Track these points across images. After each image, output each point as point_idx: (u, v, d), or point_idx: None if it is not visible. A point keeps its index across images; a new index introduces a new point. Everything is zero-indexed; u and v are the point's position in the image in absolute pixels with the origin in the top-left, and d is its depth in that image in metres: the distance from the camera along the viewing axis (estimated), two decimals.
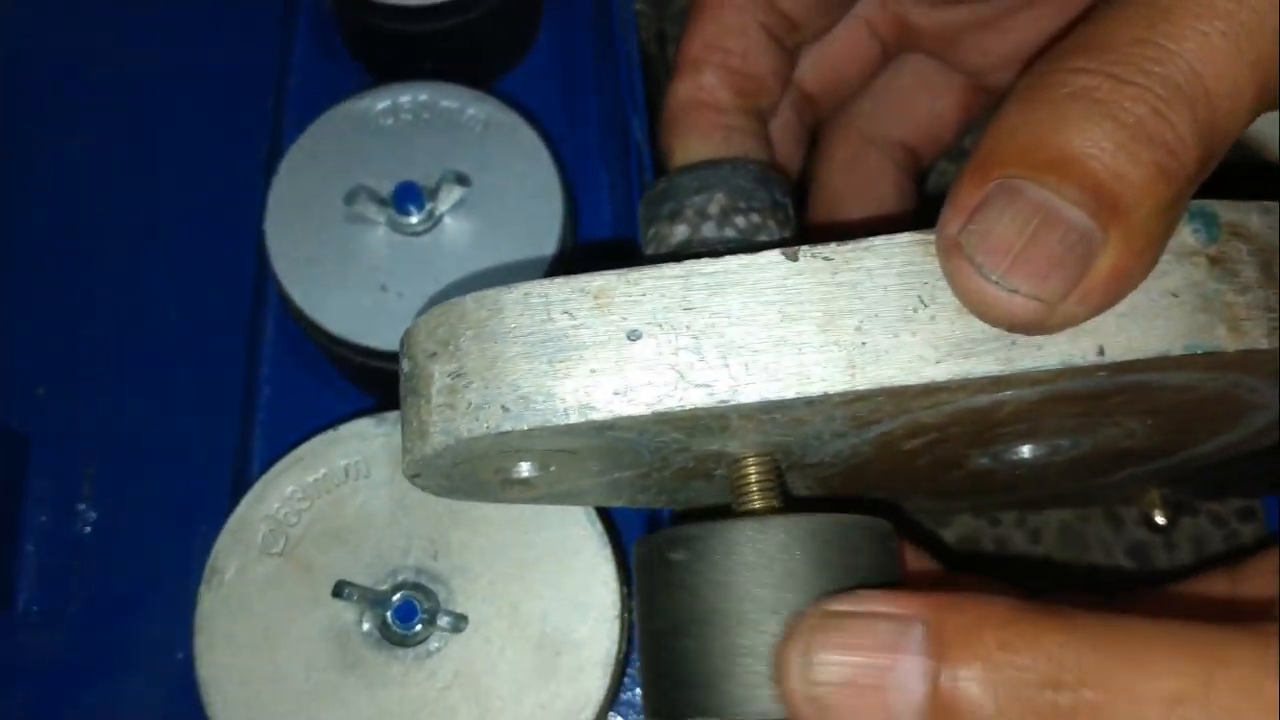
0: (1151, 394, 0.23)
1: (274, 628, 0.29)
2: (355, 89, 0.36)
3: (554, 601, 0.29)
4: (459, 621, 0.29)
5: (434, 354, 0.22)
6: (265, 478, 0.30)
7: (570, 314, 0.21)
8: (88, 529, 0.39)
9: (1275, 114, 0.35)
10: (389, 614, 0.29)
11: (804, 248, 0.21)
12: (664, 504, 0.29)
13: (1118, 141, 0.19)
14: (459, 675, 0.29)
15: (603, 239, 0.38)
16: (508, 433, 0.21)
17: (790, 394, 0.21)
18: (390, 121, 0.35)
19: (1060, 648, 0.18)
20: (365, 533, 0.30)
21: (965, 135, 0.33)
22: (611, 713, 0.34)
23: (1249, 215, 0.21)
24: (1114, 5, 0.20)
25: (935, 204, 0.21)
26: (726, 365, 0.21)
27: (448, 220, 0.34)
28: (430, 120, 0.35)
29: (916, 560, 0.31)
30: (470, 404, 0.21)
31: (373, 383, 0.36)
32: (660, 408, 0.21)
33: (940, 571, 0.31)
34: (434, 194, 0.33)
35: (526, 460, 0.23)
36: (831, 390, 0.21)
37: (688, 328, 0.21)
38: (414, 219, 0.33)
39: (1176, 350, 0.20)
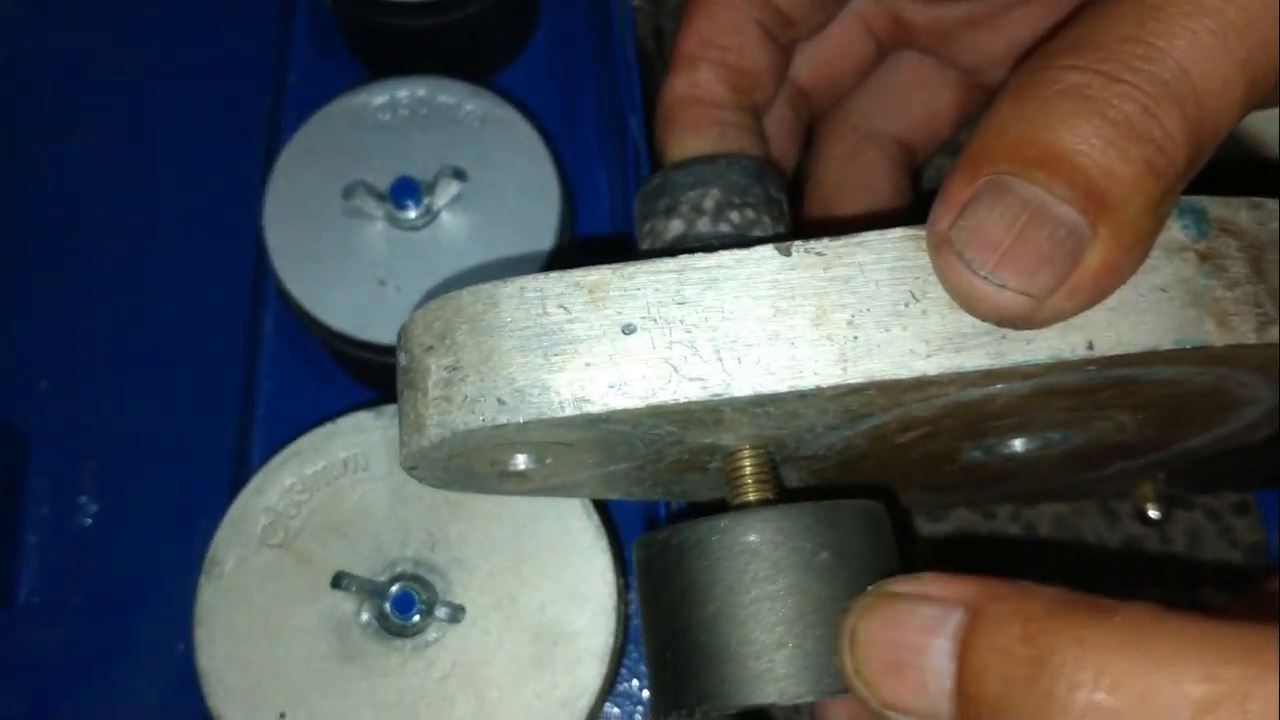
0: (1141, 388, 0.23)
1: (273, 618, 0.29)
2: (353, 86, 0.36)
3: (551, 593, 0.30)
4: (457, 612, 0.29)
5: (430, 348, 0.22)
6: (265, 470, 0.31)
7: (565, 308, 0.21)
8: (89, 522, 0.39)
9: (1273, 111, 0.35)
10: (387, 605, 0.29)
11: (797, 243, 0.21)
12: (660, 496, 0.29)
13: (1107, 138, 0.19)
14: (457, 665, 0.29)
15: (600, 234, 0.39)
16: (503, 425, 0.21)
17: (783, 388, 0.21)
18: (388, 117, 0.35)
19: (1081, 645, 0.17)
20: (364, 525, 0.30)
21: (961, 131, 0.33)
22: (608, 703, 0.34)
23: (1238, 211, 0.21)
24: (1105, 3, 0.20)
25: (931, 199, 0.21)
26: (720, 359, 0.21)
27: (445, 215, 0.34)
28: (428, 115, 0.35)
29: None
30: (466, 397, 0.21)
31: (372, 377, 0.36)
32: (654, 401, 0.21)
33: None
34: (431, 189, 0.34)
35: (522, 452, 0.24)
36: (824, 384, 0.21)
37: (681, 322, 0.21)
38: (412, 214, 0.33)
39: (1165, 345, 0.21)
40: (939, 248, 0.19)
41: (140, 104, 0.43)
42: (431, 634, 0.29)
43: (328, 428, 0.31)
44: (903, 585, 0.20)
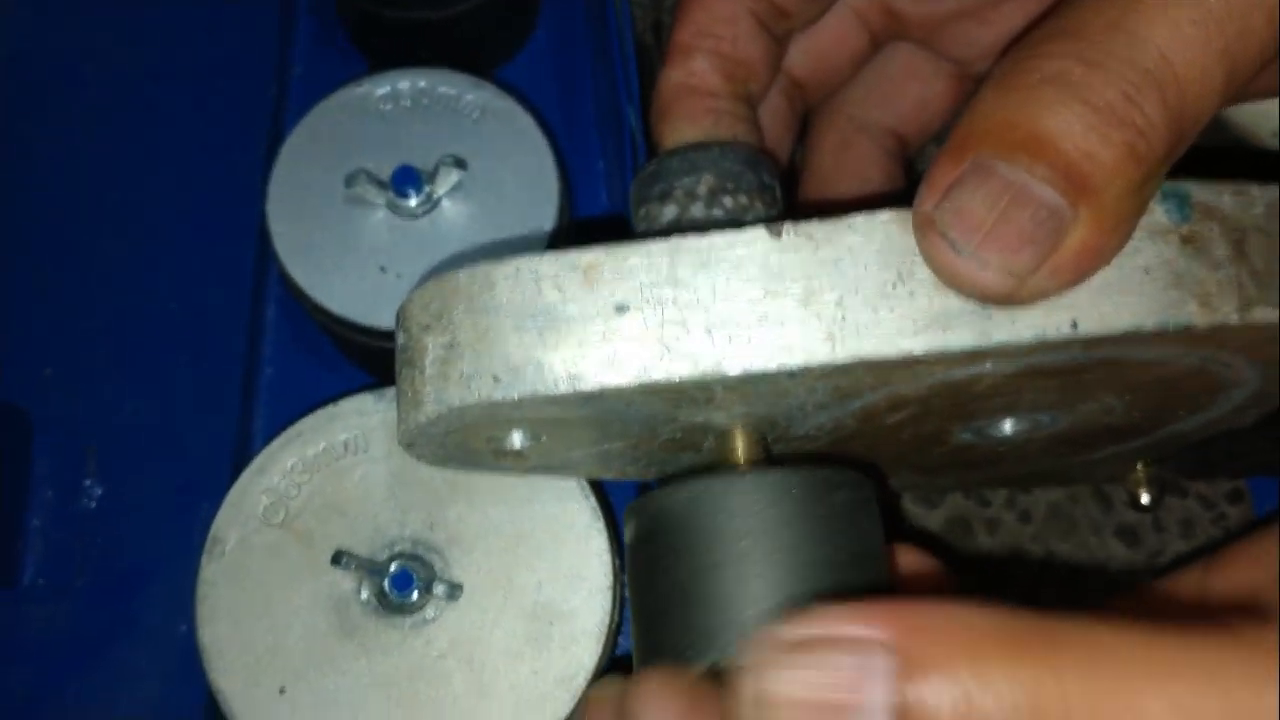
0: (1127, 369, 0.23)
1: (274, 596, 0.30)
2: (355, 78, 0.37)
3: (548, 573, 0.30)
4: (455, 590, 0.29)
5: (428, 326, 0.22)
6: (266, 451, 0.31)
7: (560, 288, 0.22)
8: (92, 505, 0.40)
9: (1265, 105, 0.35)
10: (386, 582, 0.29)
11: (787, 224, 0.22)
12: (654, 476, 0.30)
13: (1088, 123, 0.19)
14: (454, 643, 0.30)
15: (598, 215, 0.39)
16: (498, 402, 0.22)
17: (772, 366, 0.21)
18: (389, 107, 0.36)
19: (1039, 674, 0.17)
20: (363, 505, 0.31)
21: (953, 122, 0.33)
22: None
23: (1221, 196, 0.22)
24: None
25: None
26: (711, 338, 0.21)
27: (445, 203, 0.35)
28: (429, 106, 0.36)
29: (917, 560, 0.29)
30: (462, 374, 0.22)
31: (373, 362, 0.37)
32: (646, 379, 0.21)
33: (940, 573, 0.29)
34: (432, 177, 0.34)
35: (518, 430, 0.24)
36: (812, 362, 0.21)
37: (673, 302, 0.22)
38: (412, 202, 0.34)
39: (1148, 325, 0.21)
40: (923, 228, 0.20)
41: (144, 98, 0.43)
42: (430, 612, 0.30)
43: (329, 410, 0.32)
44: (802, 629, 0.18)
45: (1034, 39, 0.21)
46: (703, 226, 0.25)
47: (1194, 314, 0.21)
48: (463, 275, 0.22)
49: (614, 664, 0.30)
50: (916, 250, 0.21)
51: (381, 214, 0.34)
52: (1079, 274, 0.20)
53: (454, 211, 0.35)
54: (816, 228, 0.22)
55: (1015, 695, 0.16)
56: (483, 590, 0.30)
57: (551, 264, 0.22)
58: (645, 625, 0.24)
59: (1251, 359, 0.24)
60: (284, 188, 0.35)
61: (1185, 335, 0.21)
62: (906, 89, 0.31)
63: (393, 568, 0.30)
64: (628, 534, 0.25)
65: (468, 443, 0.24)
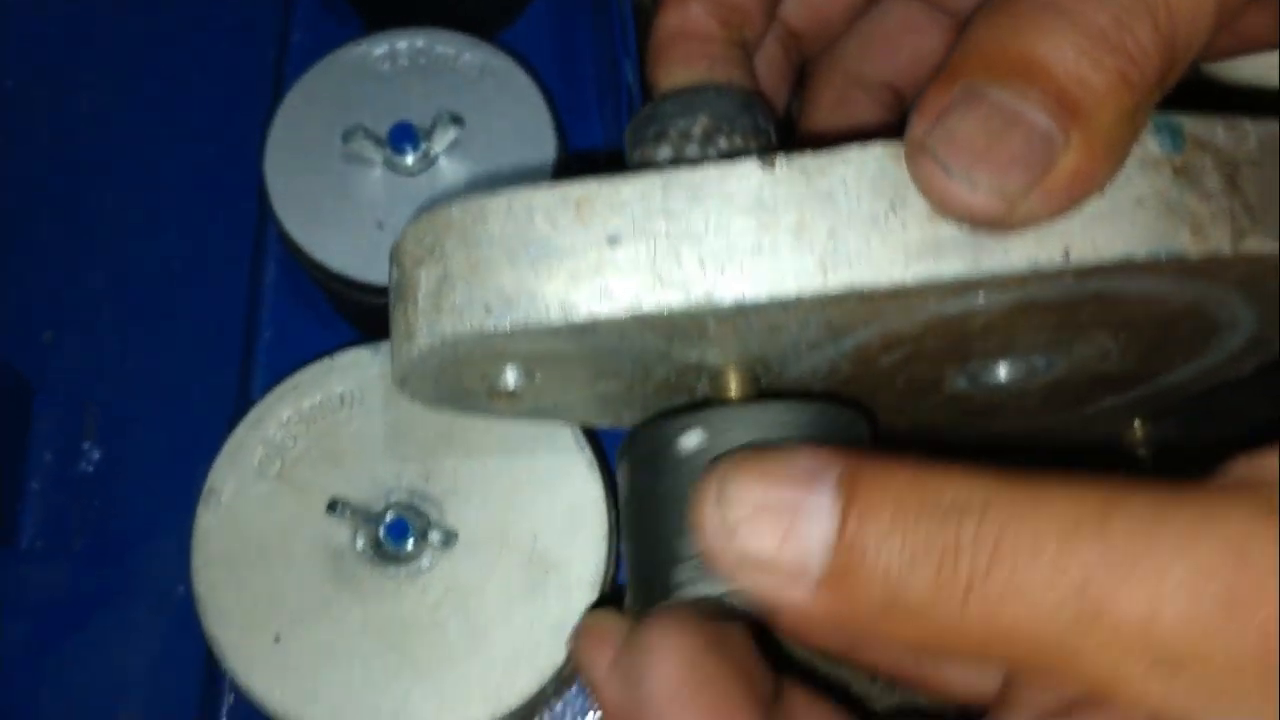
0: (1121, 306, 0.23)
1: (269, 546, 0.30)
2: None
3: (544, 523, 0.30)
4: (450, 537, 0.29)
5: (420, 260, 0.22)
6: (263, 403, 0.31)
7: (552, 220, 0.22)
8: (91, 467, 0.40)
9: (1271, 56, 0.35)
10: (382, 531, 0.29)
11: (780, 156, 0.22)
12: None
13: (1080, 48, 0.19)
14: (450, 592, 0.30)
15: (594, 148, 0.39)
16: (490, 332, 0.22)
17: (764, 296, 0.21)
18: (387, 66, 0.36)
19: (966, 483, 0.18)
20: (360, 457, 0.31)
21: None
22: None
23: (1214, 128, 0.22)
24: None
25: None
26: (703, 269, 0.21)
27: (443, 161, 0.35)
28: (426, 66, 0.36)
29: None
30: (454, 305, 0.22)
31: (370, 320, 0.37)
32: (638, 309, 0.21)
33: None
34: (429, 135, 0.34)
35: (511, 367, 0.24)
36: (804, 292, 0.21)
37: (666, 233, 0.22)
38: (409, 159, 0.34)
39: (1140, 254, 0.21)
40: (915, 153, 0.20)
41: (147, 61, 0.43)
42: (425, 561, 0.30)
43: (325, 363, 0.32)
44: (766, 449, 0.20)
45: None
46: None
47: (1187, 243, 0.21)
48: (455, 208, 0.22)
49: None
50: (909, 182, 0.21)
51: (379, 171, 0.34)
52: (1070, 199, 0.20)
53: (451, 169, 0.35)
54: (809, 160, 0.22)
55: (941, 496, 0.18)
56: (478, 540, 0.30)
57: (544, 196, 0.22)
58: (637, 559, 0.24)
59: (1247, 296, 0.24)
60: (282, 145, 0.35)
61: (1178, 265, 0.21)
62: (903, 43, 0.31)
63: (388, 517, 0.30)
64: (620, 470, 0.25)
65: (462, 381, 0.24)
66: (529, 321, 0.22)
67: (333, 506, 0.30)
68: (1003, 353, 0.26)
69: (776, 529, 0.19)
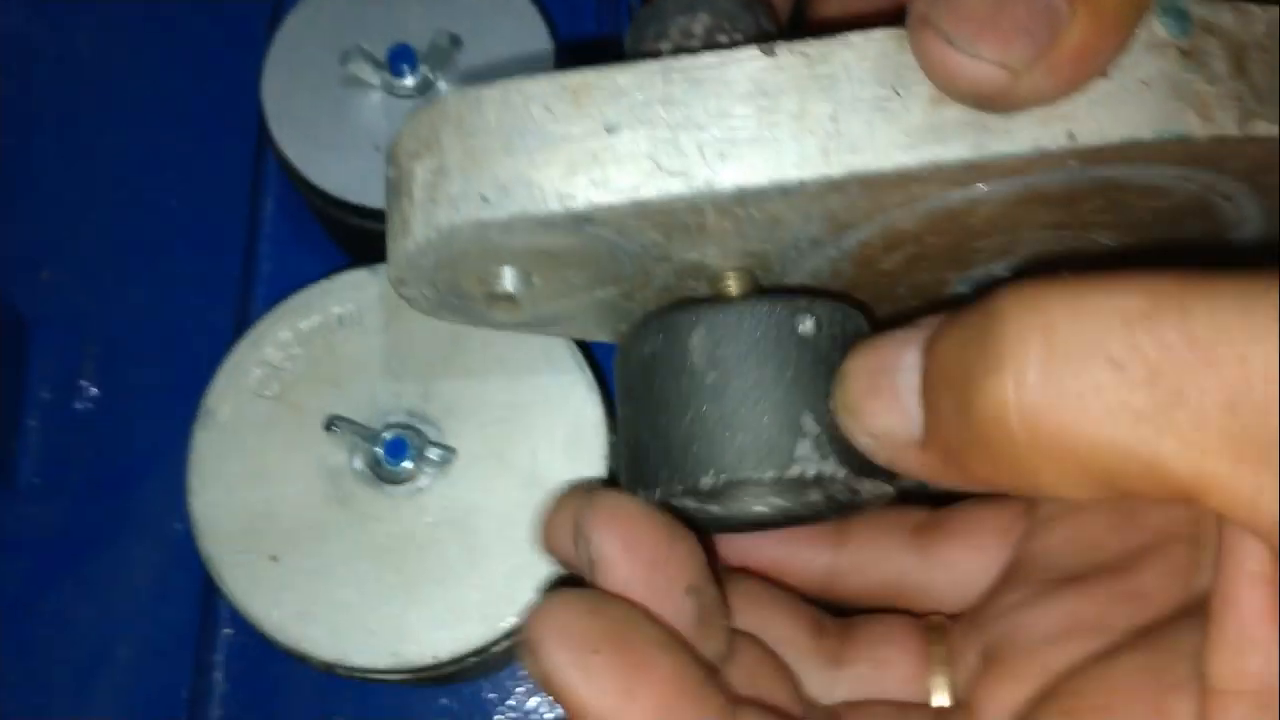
0: (1126, 197, 0.23)
1: (267, 466, 0.30)
2: None
3: (543, 443, 0.30)
4: (448, 454, 0.29)
5: (416, 153, 0.22)
6: (260, 324, 0.31)
7: (549, 109, 0.22)
8: (89, 404, 0.40)
9: None
10: (380, 450, 0.29)
11: (781, 43, 0.21)
12: None
13: None
14: (448, 511, 0.29)
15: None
16: (487, 222, 0.21)
17: (765, 180, 0.21)
18: None
19: (1014, 302, 0.18)
20: (358, 378, 0.31)
21: None
22: None
23: (1222, 12, 0.21)
24: None
25: None
26: (703, 155, 0.21)
27: (442, 86, 0.34)
28: None
29: None
30: (451, 196, 0.22)
31: (367, 248, 0.36)
32: (637, 196, 0.21)
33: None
34: (427, 58, 0.34)
35: (509, 267, 0.24)
36: (806, 176, 0.21)
37: (665, 121, 0.21)
38: (408, 81, 0.34)
39: (1146, 135, 0.21)
40: (918, 26, 0.20)
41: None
42: (423, 481, 0.30)
43: (323, 284, 0.31)
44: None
45: None
46: None
47: (1193, 124, 0.21)
48: (451, 99, 0.22)
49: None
50: (913, 65, 0.21)
51: (378, 96, 0.34)
52: (1075, 75, 0.20)
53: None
54: (811, 46, 0.21)
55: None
56: (477, 460, 0.30)
57: (541, 85, 0.22)
58: (629, 455, 0.24)
59: (1253, 189, 0.23)
60: (280, 69, 0.34)
61: (1184, 148, 0.21)
62: None
63: (386, 436, 0.29)
64: (618, 369, 0.25)
65: (459, 283, 0.24)
66: (526, 211, 0.21)
67: (330, 425, 0.29)
68: (1005, 255, 0.26)
69: (876, 397, 0.20)
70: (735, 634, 0.25)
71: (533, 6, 0.35)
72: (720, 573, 0.25)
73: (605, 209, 0.21)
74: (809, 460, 0.22)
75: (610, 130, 0.21)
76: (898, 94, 0.21)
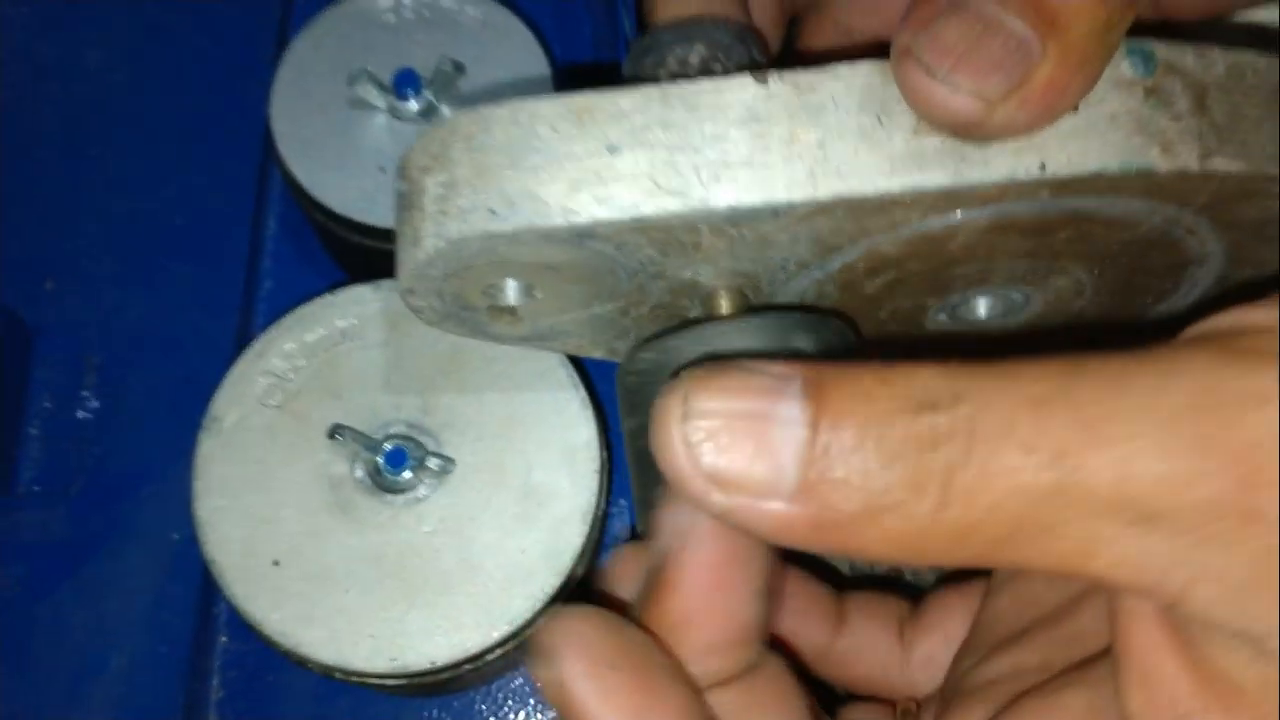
0: (1094, 228, 0.24)
1: (270, 473, 0.31)
2: None
3: (538, 457, 0.31)
4: (447, 464, 0.30)
5: (427, 168, 0.23)
6: (266, 335, 0.32)
7: (555, 128, 0.23)
8: (89, 414, 0.40)
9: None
10: (380, 459, 0.30)
11: (773, 72, 0.23)
12: None
13: None
14: (445, 520, 0.30)
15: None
16: (495, 234, 0.23)
17: (757, 201, 0.22)
18: (392, 18, 0.37)
19: (934, 377, 0.18)
20: (360, 390, 0.32)
21: None
22: None
23: (1185, 54, 0.23)
24: None
25: None
26: (699, 176, 0.22)
27: (445, 109, 0.36)
28: (430, 18, 0.37)
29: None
30: (460, 208, 0.23)
31: (367, 266, 0.38)
32: (636, 213, 0.22)
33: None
34: (432, 84, 0.35)
35: (513, 280, 0.25)
36: (795, 198, 0.22)
37: (664, 143, 0.23)
38: (413, 105, 0.35)
39: (1112, 167, 0.22)
40: (901, 57, 0.21)
41: (151, 17, 0.44)
42: (422, 491, 0.31)
43: (326, 299, 0.32)
44: (727, 364, 0.19)
45: None
46: None
47: (1156, 158, 0.22)
48: (461, 118, 0.23)
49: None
50: (896, 97, 0.22)
51: (382, 118, 0.35)
52: (1046, 109, 0.21)
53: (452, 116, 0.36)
54: (801, 76, 0.23)
55: (911, 390, 0.18)
56: (474, 471, 0.31)
57: (547, 106, 0.23)
58: (637, 466, 0.25)
59: (1214, 224, 0.25)
60: (288, 90, 0.36)
61: (1147, 181, 0.22)
62: None
63: (387, 445, 0.30)
64: (620, 389, 0.26)
65: (465, 294, 0.25)
66: (532, 224, 0.23)
67: (334, 433, 0.30)
68: (981, 283, 0.27)
69: (746, 442, 0.18)
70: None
71: (531, 35, 0.36)
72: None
73: (606, 224, 0.23)
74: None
75: (612, 150, 0.23)
76: (881, 123, 0.22)
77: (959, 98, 0.20)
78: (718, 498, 0.18)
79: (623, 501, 0.37)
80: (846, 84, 0.23)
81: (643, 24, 0.30)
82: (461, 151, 0.23)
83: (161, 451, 0.40)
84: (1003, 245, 0.25)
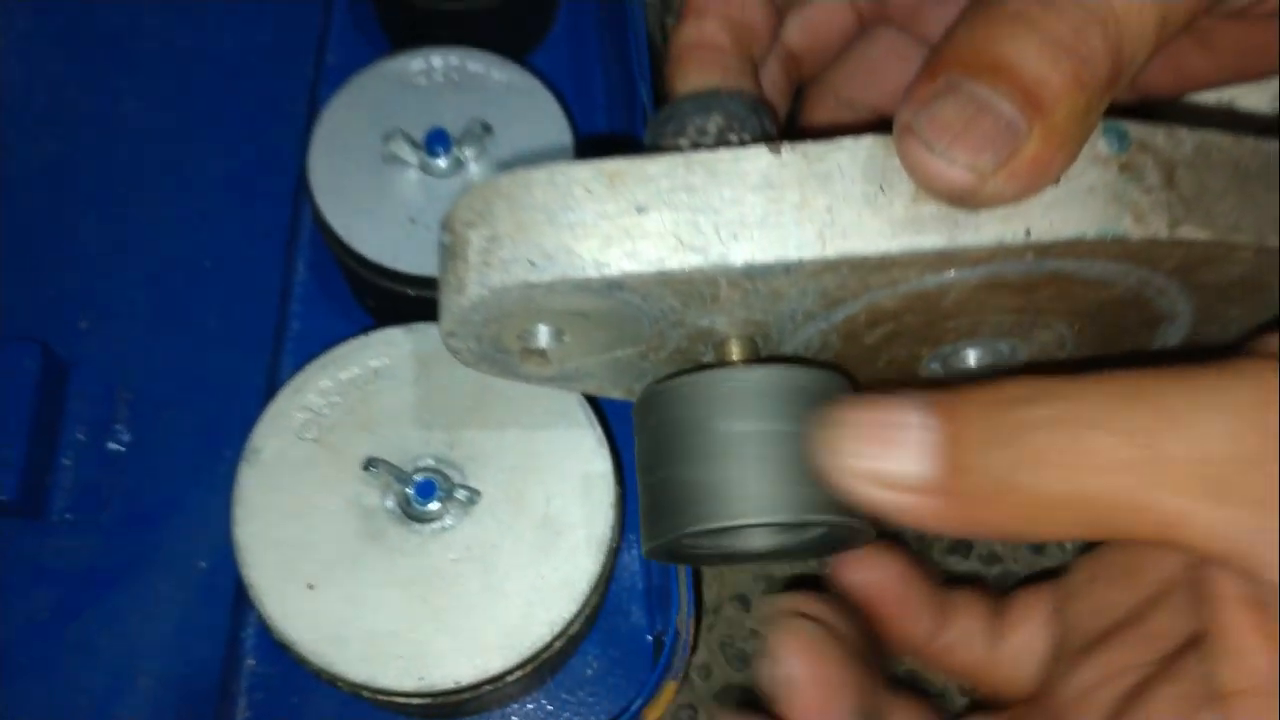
0: (1074, 288, 0.27)
1: (306, 502, 0.33)
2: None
3: (556, 489, 0.33)
4: (473, 495, 0.32)
5: (472, 223, 0.26)
6: (303, 373, 0.34)
7: (589, 190, 0.25)
8: (121, 448, 0.42)
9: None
10: (410, 490, 0.32)
11: (785, 144, 0.25)
12: None
13: (1042, 52, 0.23)
14: (469, 549, 0.32)
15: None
16: (534, 284, 0.25)
17: (771, 258, 0.25)
18: (424, 80, 0.39)
19: (1022, 384, 0.23)
20: (391, 426, 0.34)
21: None
22: None
23: (1155, 134, 0.26)
24: None
25: None
26: (718, 234, 0.25)
27: (472, 166, 0.38)
28: (459, 81, 0.40)
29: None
30: (502, 260, 0.25)
31: (393, 311, 0.40)
32: (662, 267, 0.25)
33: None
34: (461, 142, 0.38)
35: (545, 324, 0.27)
36: (805, 256, 0.25)
37: (687, 204, 0.25)
38: (442, 162, 0.37)
39: (1091, 234, 0.25)
40: (903, 133, 0.24)
41: (191, 70, 0.47)
42: (448, 521, 0.33)
43: (360, 340, 0.35)
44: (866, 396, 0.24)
45: None
46: None
47: (1129, 226, 0.25)
48: (504, 179, 0.26)
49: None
50: (896, 167, 0.25)
51: (414, 173, 0.38)
52: (1031, 182, 0.24)
53: (479, 174, 0.38)
54: (810, 147, 0.25)
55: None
56: (496, 503, 0.33)
57: (582, 170, 0.25)
58: (649, 501, 0.27)
59: (1183, 286, 0.27)
60: (325, 145, 0.38)
61: (1121, 247, 0.25)
62: (889, 70, 0.35)
63: (417, 477, 0.33)
64: (638, 426, 0.28)
65: (501, 338, 0.28)
66: (567, 275, 0.25)
67: (369, 465, 0.32)
68: (972, 335, 0.29)
69: (894, 448, 0.23)
70: None
71: (554, 99, 0.39)
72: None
73: (635, 277, 0.25)
74: (814, 505, 0.26)
75: (640, 210, 0.25)
76: (883, 191, 0.25)
77: (955, 170, 0.23)
78: (866, 493, 0.23)
79: (630, 536, 0.39)
80: (851, 154, 0.25)
81: (660, 95, 0.33)
82: (504, 209, 0.25)
83: (189, 482, 0.42)
84: (992, 301, 0.27)
